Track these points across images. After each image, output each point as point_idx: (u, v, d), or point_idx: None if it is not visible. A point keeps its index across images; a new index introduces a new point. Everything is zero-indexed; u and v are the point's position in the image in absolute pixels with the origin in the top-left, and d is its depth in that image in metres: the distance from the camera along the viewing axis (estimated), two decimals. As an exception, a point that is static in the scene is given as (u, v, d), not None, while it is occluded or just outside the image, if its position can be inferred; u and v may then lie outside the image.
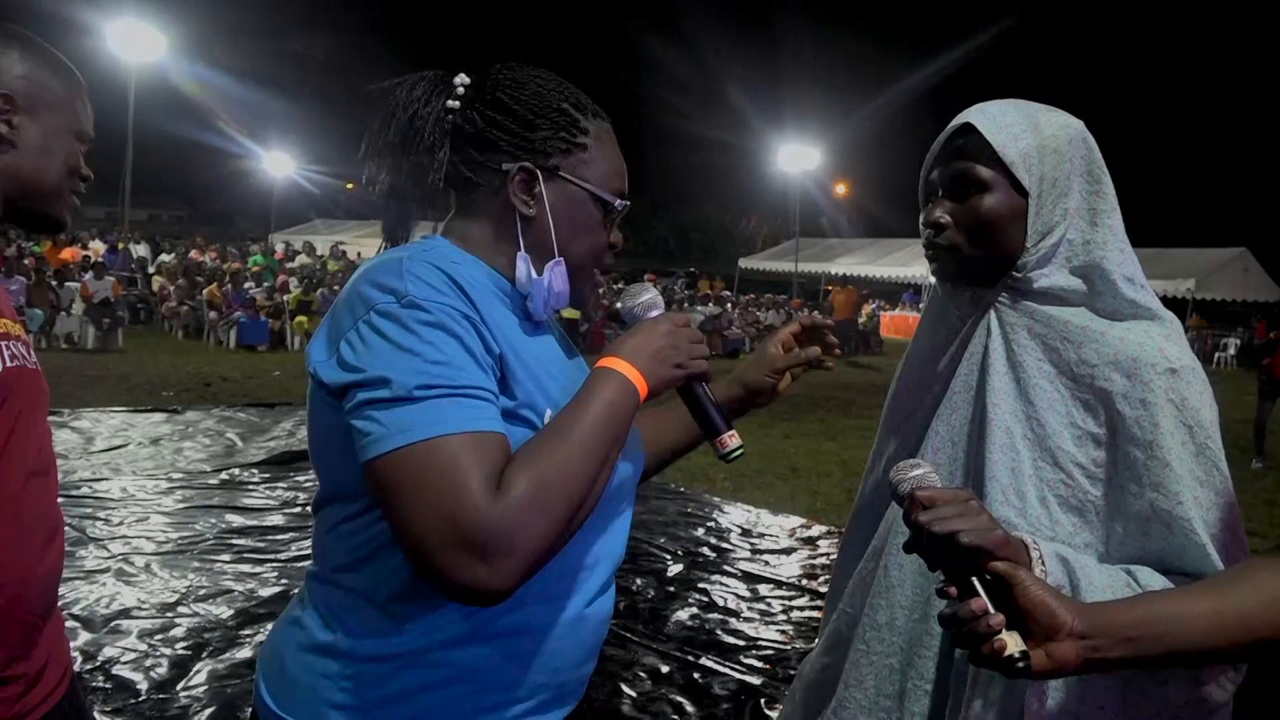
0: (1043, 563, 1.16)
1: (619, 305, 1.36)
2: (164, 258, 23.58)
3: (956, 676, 1.29)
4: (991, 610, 1.01)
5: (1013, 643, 1.00)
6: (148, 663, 3.86)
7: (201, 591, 4.68)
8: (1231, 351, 25.07)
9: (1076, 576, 1.18)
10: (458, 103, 1.29)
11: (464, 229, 1.30)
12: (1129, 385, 1.25)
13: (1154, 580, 1.20)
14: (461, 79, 1.30)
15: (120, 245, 24.15)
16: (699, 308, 23.02)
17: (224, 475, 7.09)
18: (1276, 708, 3.96)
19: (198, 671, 3.81)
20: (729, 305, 24.58)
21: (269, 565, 5.12)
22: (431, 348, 1.09)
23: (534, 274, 1.26)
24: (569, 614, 1.24)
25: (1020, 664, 1.00)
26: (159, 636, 4.13)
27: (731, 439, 1.31)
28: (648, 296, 1.34)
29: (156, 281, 20.25)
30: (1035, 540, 1.18)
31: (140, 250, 25.03)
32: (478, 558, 1.03)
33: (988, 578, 1.04)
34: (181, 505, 6.27)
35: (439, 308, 1.12)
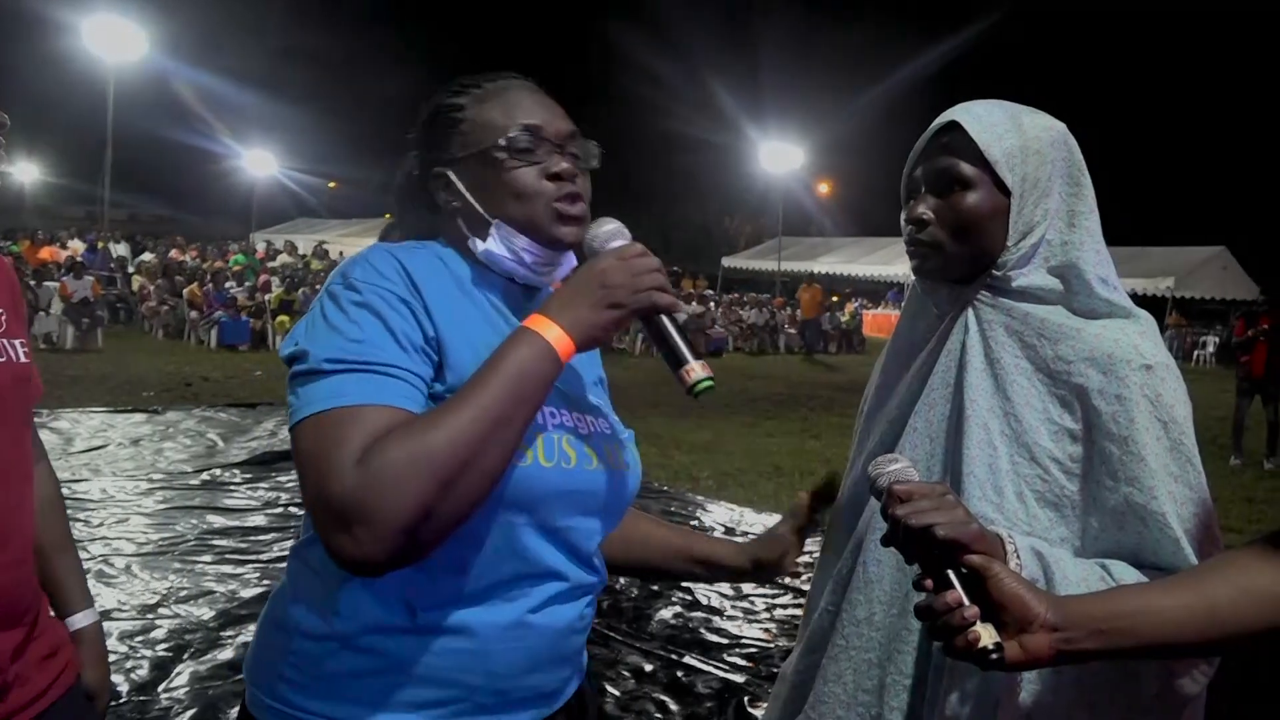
0: (1018, 556, 1.17)
1: (584, 241, 1.29)
2: (144, 257, 23.39)
3: (935, 671, 1.30)
4: (966, 602, 1.03)
5: (987, 635, 1.02)
6: (128, 665, 3.83)
7: (183, 593, 4.65)
8: (1210, 349, 25.30)
9: (1051, 570, 1.19)
10: (414, 150, 1.39)
11: (447, 236, 1.36)
12: (1105, 381, 1.27)
13: (1128, 574, 1.21)
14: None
15: (100, 244, 23.94)
16: (682, 307, 23.01)
17: (205, 476, 7.05)
18: (1250, 699, 4.00)
19: (179, 673, 3.79)
20: (712, 304, 24.59)
21: (250, 566, 5.10)
22: (354, 326, 1.14)
23: (481, 246, 1.29)
24: (508, 618, 1.22)
25: (994, 656, 1.01)
26: (140, 638, 4.10)
27: (691, 372, 1.20)
28: (608, 228, 1.27)
29: (136, 281, 20.10)
30: (1010, 534, 1.19)
31: (120, 249, 24.82)
32: (340, 526, 1.04)
33: (963, 571, 1.06)
34: (162, 506, 6.23)
35: (371, 289, 1.17)
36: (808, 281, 23.98)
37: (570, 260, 1.35)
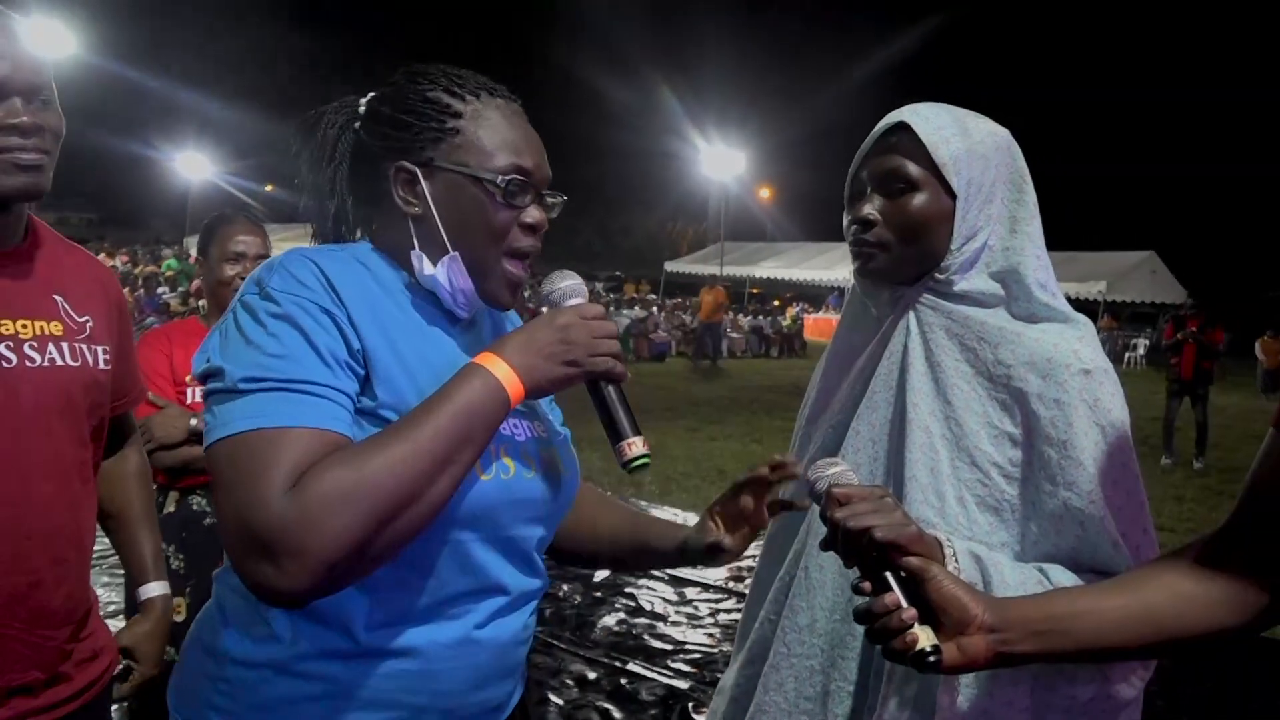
0: (956, 560, 1.17)
1: (541, 291, 1.27)
2: (73, 262, 22.77)
3: (876, 676, 1.30)
4: (904, 604, 1.03)
5: (924, 637, 1.02)
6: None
7: (111, 607, 4.51)
8: (1141, 351, 25.92)
9: (989, 574, 1.19)
10: (359, 122, 1.29)
11: (380, 235, 1.29)
12: (1044, 385, 1.27)
13: (1066, 578, 1.22)
14: (365, 99, 1.30)
15: (26, 249, 23.28)
16: (625, 311, 23.05)
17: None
18: (1186, 703, 4.08)
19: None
20: (655, 309, 24.64)
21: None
22: (274, 340, 1.08)
23: (427, 269, 1.22)
24: (454, 636, 1.18)
25: (931, 658, 1.01)
26: (66, 655, 3.97)
27: (631, 447, 1.19)
28: (567, 284, 1.24)
29: (65, 286, 19.55)
30: (949, 538, 1.20)
31: (48, 254, 24.12)
32: (264, 557, 0.99)
33: (902, 574, 1.06)
34: (91, 518, 6.05)
35: (290, 299, 1.10)
36: (709, 283, 22.63)
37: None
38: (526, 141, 1.25)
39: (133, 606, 2.63)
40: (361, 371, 1.13)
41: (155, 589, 1.81)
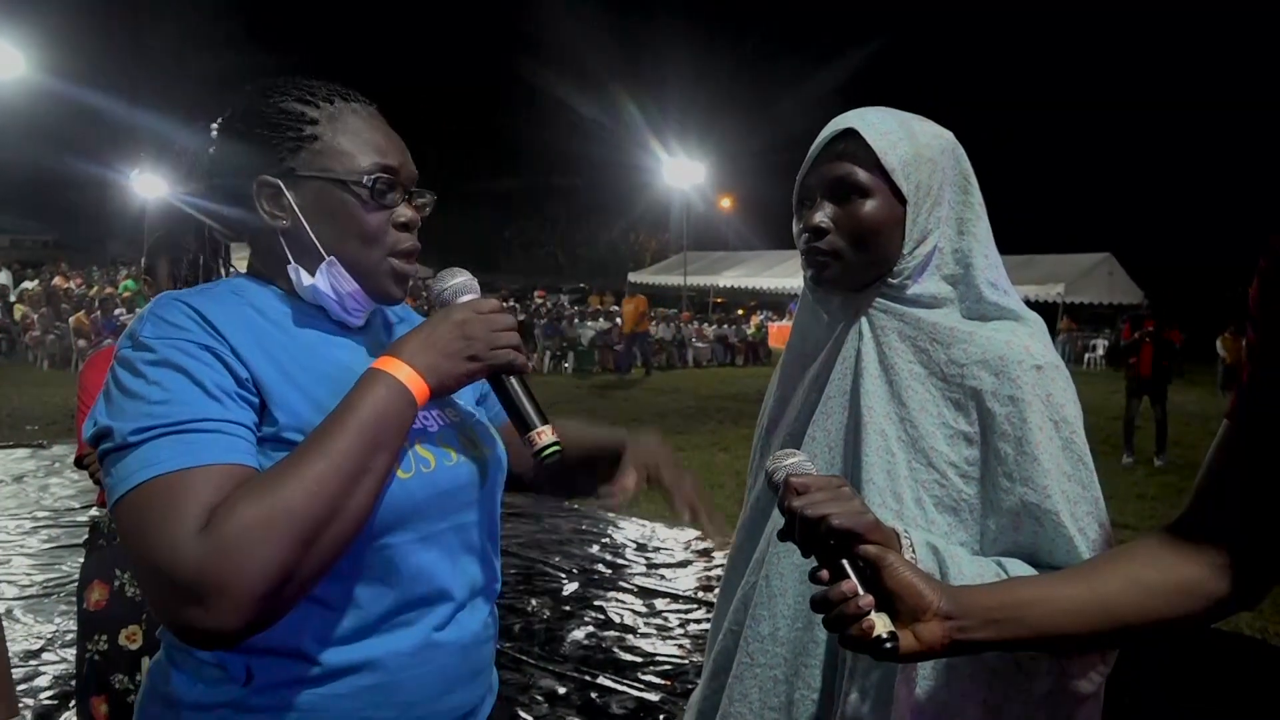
0: (913, 550, 1.17)
1: (431, 290, 1.27)
2: (26, 285, 22.45)
3: (839, 682, 1.29)
4: (861, 592, 1.02)
5: (881, 624, 1.01)
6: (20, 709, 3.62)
7: (69, 636, 4.42)
8: (1100, 352, 26.29)
9: (946, 565, 1.19)
10: (213, 147, 1.26)
11: (253, 259, 1.27)
12: (997, 383, 1.27)
13: (1023, 571, 1.22)
14: (216, 123, 1.27)
15: (-22, 273, 22.91)
16: (589, 323, 23.01)
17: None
18: (1149, 699, 4.11)
19: (65, 721, 3.60)
20: (619, 320, 24.63)
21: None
22: (156, 388, 1.05)
23: (306, 281, 1.20)
24: (413, 642, 1.17)
25: (888, 645, 1.01)
26: (22, 686, 3.88)
27: (541, 436, 1.19)
28: (458, 281, 1.24)
29: (19, 310, 19.26)
30: (906, 529, 1.19)
31: (0, 277, 23.79)
32: (189, 601, 0.95)
33: (859, 563, 1.05)
34: (48, 545, 5.94)
35: (166, 344, 1.08)
36: (630, 292, 22.63)
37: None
38: (388, 141, 1.24)
39: (86, 631, 2.58)
40: (255, 399, 1.10)
41: None
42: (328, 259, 1.19)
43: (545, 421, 1.20)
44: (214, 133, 1.26)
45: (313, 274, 1.20)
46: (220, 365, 1.08)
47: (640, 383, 18.40)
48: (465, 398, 1.37)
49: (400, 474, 1.14)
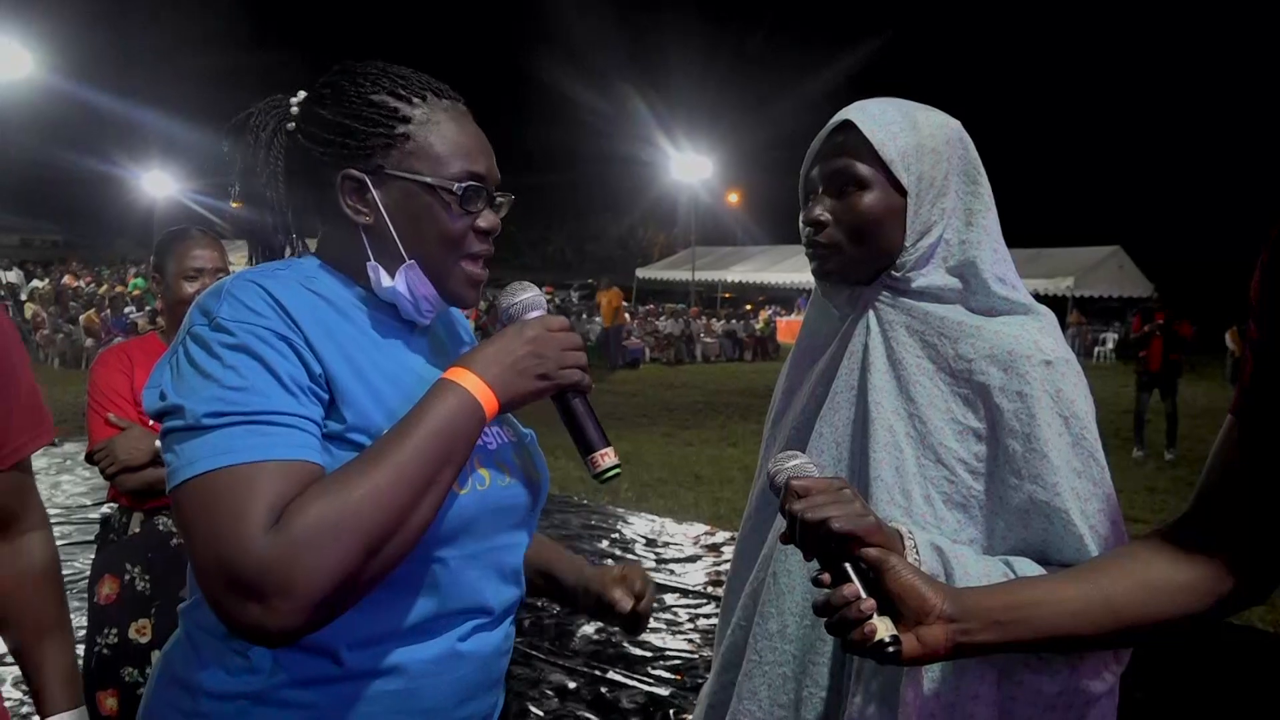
0: (916, 551, 1.16)
1: (499, 305, 1.25)
2: (36, 283, 22.56)
3: (849, 680, 1.28)
4: (863, 595, 1.02)
5: (883, 628, 1.01)
6: (24, 710, 3.66)
7: (81, 631, 4.43)
8: (1110, 345, 26.19)
9: (951, 566, 1.18)
10: (294, 124, 1.23)
11: (326, 246, 1.25)
12: (1006, 378, 1.26)
13: (1031, 570, 1.20)
14: (296, 99, 1.24)
15: (-11, 272, 23.03)
16: (598, 319, 23.01)
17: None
18: (1161, 692, 4.10)
19: None
20: (628, 315, 24.63)
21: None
22: (231, 372, 1.03)
23: (385, 282, 1.19)
24: (437, 651, 1.16)
25: (891, 649, 1.00)
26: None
27: (604, 458, 1.18)
28: (527, 296, 1.22)
29: (29, 309, 19.35)
30: (910, 530, 1.18)
31: (11, 276, 23.90)
32: (251, 598, 0.95)
33: (862, 565, 1.05)
34: (60, 542, 5.87)
35: (245, 329, 1.06)
36: (606, 285, 22.12)
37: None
38: (478, 145, 1.22)
39: (96, 625, 2.59)
40: (325, 396, 1.10)
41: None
42: (408, 262, 1.18)
43: (608, 444, 1.19)
44: (292, 116, 1.23)
45: (392, 275, 1.18)
46: (295, 358, 1.07)
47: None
48: (519, 421, 1.37)
49: (457, 489, 1.14)
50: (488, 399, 1.09)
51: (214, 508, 0.98)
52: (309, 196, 1.24)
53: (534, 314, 1.21)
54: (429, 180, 1.17)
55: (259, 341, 1.06)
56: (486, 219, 1.22)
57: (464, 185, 1.18)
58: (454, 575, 1.16)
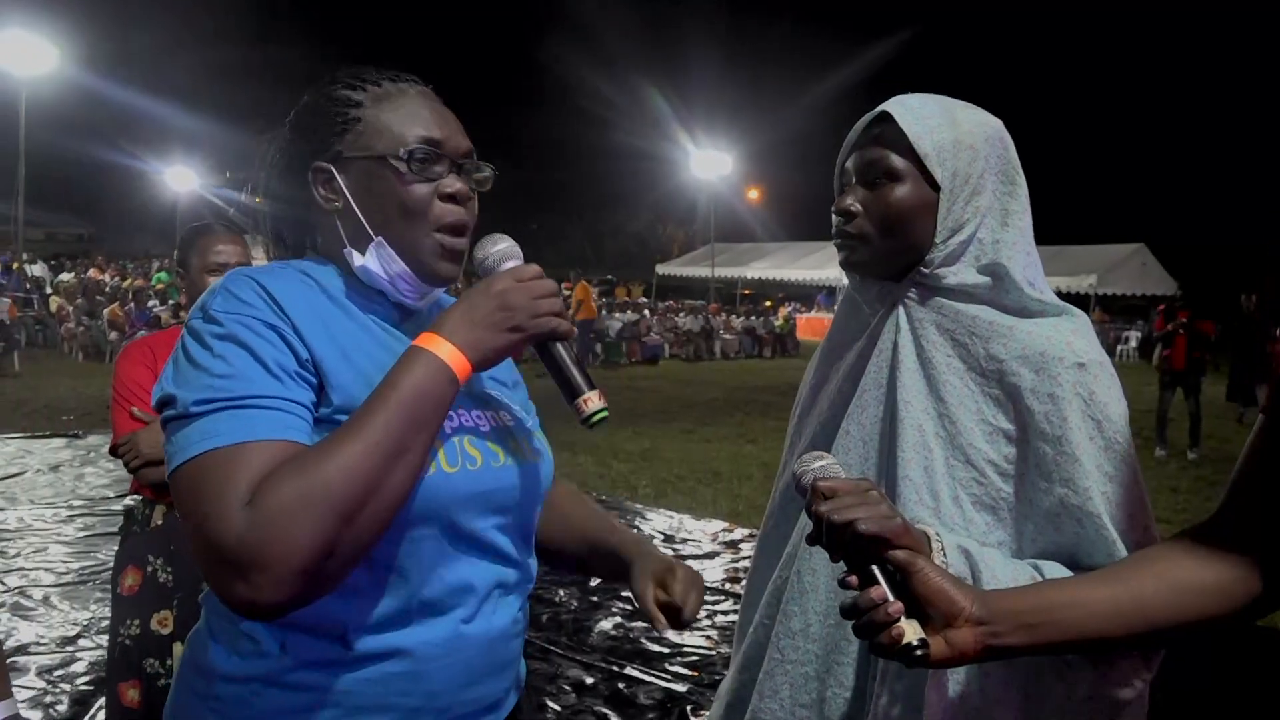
0: (944, 553, 1.15)
1: (474, 259, 1.25)
2: (63, 277, 22.77)
3: (874, 681, 1.27)
4: (891, 598, 1.01)
5: (911, 631, 1.00)
6: (47, 699, 3.69)
7: (104, 623, 4.47)
8: (1133, 344, 25.98)
9: (979, 568, 1.16)
10: (287, 126, 1.30)
11: (321, 243, 1.30)
12: (1037, 380, 1.24)
13: (1059, 573, 1.19)
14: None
15: (15, 265, 23.25)
16: (617, 315, 23.02)
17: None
18: (1188, 695, 4.05)
19: (100, 707, 3.63)
20: (647, 312, 24.63)
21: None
22: (220, 361, 1.08)
23: (357, 261, 1.22)
24: (442, 633, 1.17)
25: (919, 652, 0.99)
26: (59, 672, 3.95)
27: (588, 403, 1.17)
28: (500, 248, 1.22)
29: (55, 302, 19.54)
30: (938, 531, 1.17)
31: (37, 270, 24.14)
32: (236, 574, 0.98)
33: (889, 568, 1.04)
34: (83, 534, 6.03)
35: (233, 319, 1.11)
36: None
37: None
38: (433, 115, 1.24)
39: (119, 616, 2.61)
40: (314, 380, 1.13)
41: None
42: (376, 239, 1.21)
43: (593, 387, 1.18)
44: (288, 120, 1.30)
45: (364, 255, 1.22)
46: (283, 344, 1.11)
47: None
48: (519, 406, 1.37)
49: (446, 468, 1.16)
50: (457, 361, 1.11)
51: (200, 490, 1.02)
52: (298, 195, 1.28)
53: (507, 265, 1.21)
54: (380, 152, 1.20)
55: (246, 330, 1.10)
56: (450, 184, 1.23)
57: (410, 149, 1.20)
58: (446, 554, 1.17)
